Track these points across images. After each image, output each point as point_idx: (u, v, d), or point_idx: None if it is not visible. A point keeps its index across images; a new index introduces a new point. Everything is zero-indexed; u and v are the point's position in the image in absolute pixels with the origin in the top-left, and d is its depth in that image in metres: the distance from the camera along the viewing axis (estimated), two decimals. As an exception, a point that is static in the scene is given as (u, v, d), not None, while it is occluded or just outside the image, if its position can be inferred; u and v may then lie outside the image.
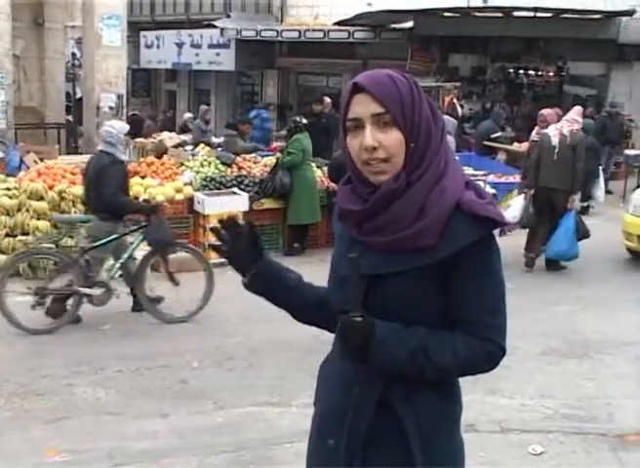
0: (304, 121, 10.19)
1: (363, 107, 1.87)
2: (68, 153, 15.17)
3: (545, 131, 9.12)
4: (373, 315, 1.90)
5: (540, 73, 17.71)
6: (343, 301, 1.94)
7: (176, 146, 12.67)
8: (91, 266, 6.79)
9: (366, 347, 1.88)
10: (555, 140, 8.80)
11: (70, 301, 6.76)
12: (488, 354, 1.93)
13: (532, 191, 8.86)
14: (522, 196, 9.02)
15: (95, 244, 6.79)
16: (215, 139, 13.81)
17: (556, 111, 9.87)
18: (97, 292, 6.77)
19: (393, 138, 1.86)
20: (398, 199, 1.88)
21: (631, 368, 6.01)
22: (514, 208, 8.98)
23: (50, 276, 6.99)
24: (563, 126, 8.94)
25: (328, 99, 14.34)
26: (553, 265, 9.05)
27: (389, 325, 1.90)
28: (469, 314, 1.91)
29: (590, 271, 9.11)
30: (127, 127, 7.44)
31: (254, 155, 11.48)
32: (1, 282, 6.51)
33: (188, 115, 17.56)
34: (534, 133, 9.81)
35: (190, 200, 9.51)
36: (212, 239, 2.00)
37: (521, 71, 17.82)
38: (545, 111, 9.74)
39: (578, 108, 9.49)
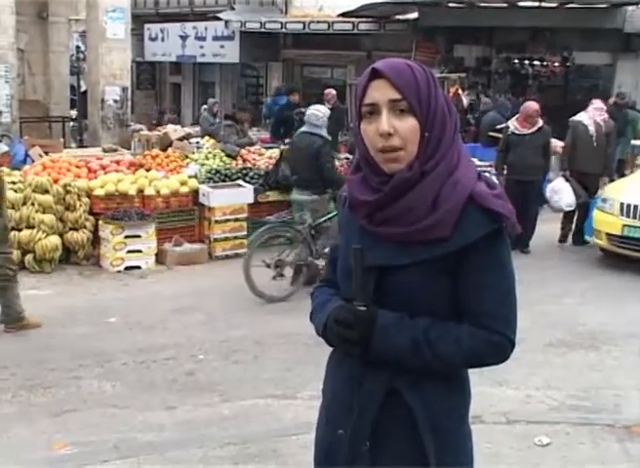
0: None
1: (380, 93, 1.87)
2: (80, 147, 15.22)
3: (578, 119, 9.66)
4: (382, 306, 1.90)
5: (545, 64, 17.61)
6: (350, 291, 1.94)
7: (180, 139, 12.65)
8: (316, 240, 7.61)
9: (367, 337, 1.88)
10: (592, 129, 9.48)
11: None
12: (493, 345, 1.92)
13: (568, 172, 9.54)
14: (562, 179, 9.58)
15: (320, 220, 7.66)
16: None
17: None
18: (322, 263, 7.42)
19: (409, 126, 1.86)
20: (412, 189, 1.87)
21: (638, 359, 6.00)
22: (565, 192, 9.47)
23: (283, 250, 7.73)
24: (595, 114, 9.58)
25: (333, 91, 14.32)
26: (582, 240, 9.77)
27: (392, 314, 1.90)
28: (478, 306, 1.91)
29: (595, 263, 9.10)
30: (328, 111, 8.32)
31: (258, 147, 11.43)
32: (249, 256, 7.33)
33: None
34: (516, 124, 9.50)
35: (195, 192, 9.52)
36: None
37: (526, 62, 17.72)
38: (533, 104, 9.48)
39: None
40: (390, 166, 1.89)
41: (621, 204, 8.73)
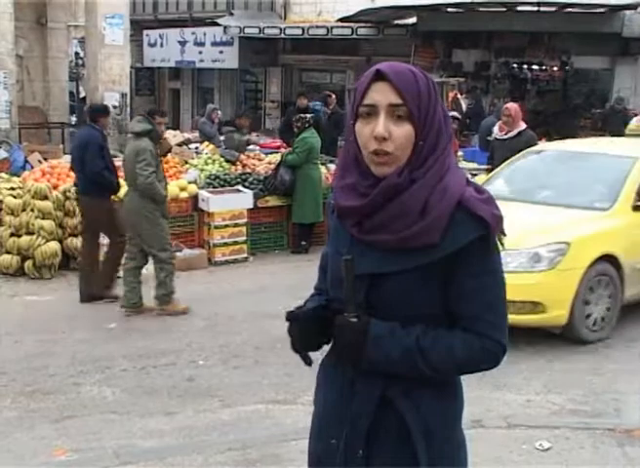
0: (308, 116, 10.16)
1: (381, 95, 1.86)
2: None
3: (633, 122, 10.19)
4: (374, 314, 1.90)
5: (544, 68, 17.64)
6: (340, 300, 1.93)
7: (180, 144, 12.65)
8: None
9: (360, 348, 1.87)
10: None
11: None
12: (486, 351, 1.91)
13: None
14: None
15: None
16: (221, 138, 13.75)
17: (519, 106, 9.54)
18: None
19: (405, 132, 1.85)
20: (400, 195, 1.86)
21: (638, 363, 5.99)
22: None
23: None
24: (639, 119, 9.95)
25: (333, 96, 14.36)
26: None
27: (384, 324, 1.89)
28: (469, 311, 1.90)
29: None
30: None
31: (257, 152, 11.44)
32: None
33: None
34: (495, 129, 9.17)
35: (195, 198, 9.52)
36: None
37: (525, 66, 17.75)
38: (511, 106, 9.03)
39: None
40: (380, 169, 1.88)
41: None
